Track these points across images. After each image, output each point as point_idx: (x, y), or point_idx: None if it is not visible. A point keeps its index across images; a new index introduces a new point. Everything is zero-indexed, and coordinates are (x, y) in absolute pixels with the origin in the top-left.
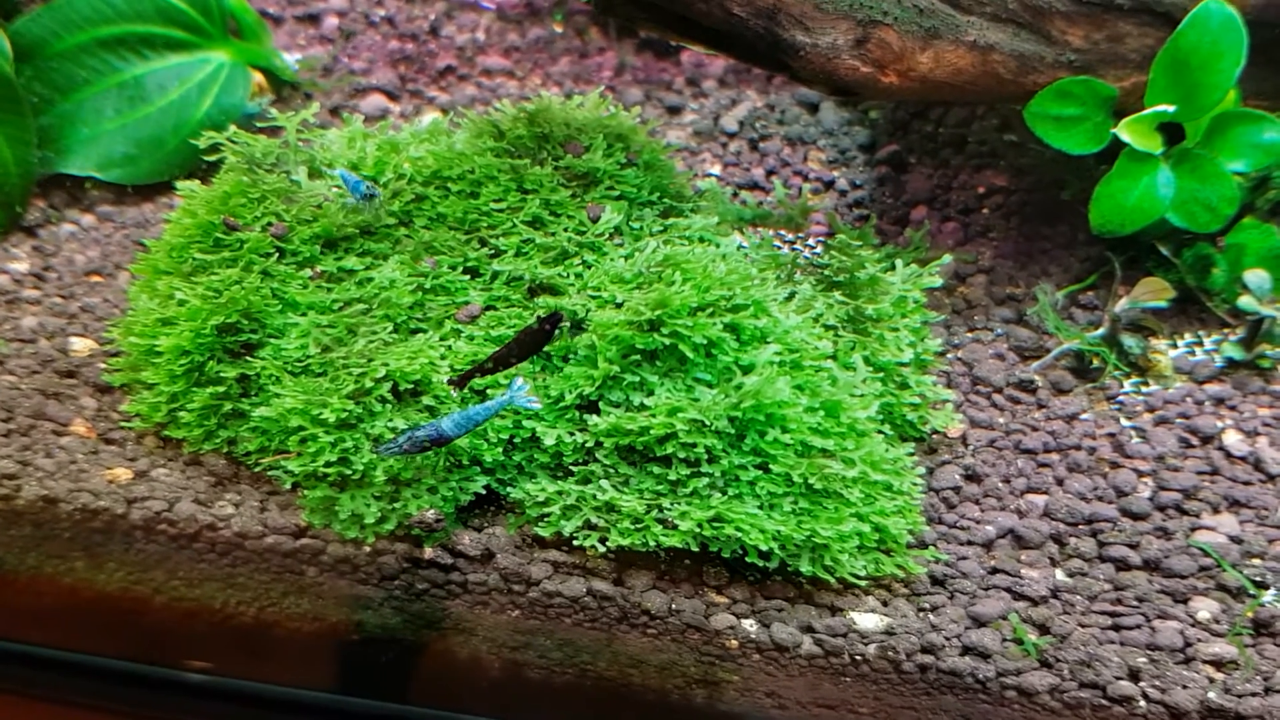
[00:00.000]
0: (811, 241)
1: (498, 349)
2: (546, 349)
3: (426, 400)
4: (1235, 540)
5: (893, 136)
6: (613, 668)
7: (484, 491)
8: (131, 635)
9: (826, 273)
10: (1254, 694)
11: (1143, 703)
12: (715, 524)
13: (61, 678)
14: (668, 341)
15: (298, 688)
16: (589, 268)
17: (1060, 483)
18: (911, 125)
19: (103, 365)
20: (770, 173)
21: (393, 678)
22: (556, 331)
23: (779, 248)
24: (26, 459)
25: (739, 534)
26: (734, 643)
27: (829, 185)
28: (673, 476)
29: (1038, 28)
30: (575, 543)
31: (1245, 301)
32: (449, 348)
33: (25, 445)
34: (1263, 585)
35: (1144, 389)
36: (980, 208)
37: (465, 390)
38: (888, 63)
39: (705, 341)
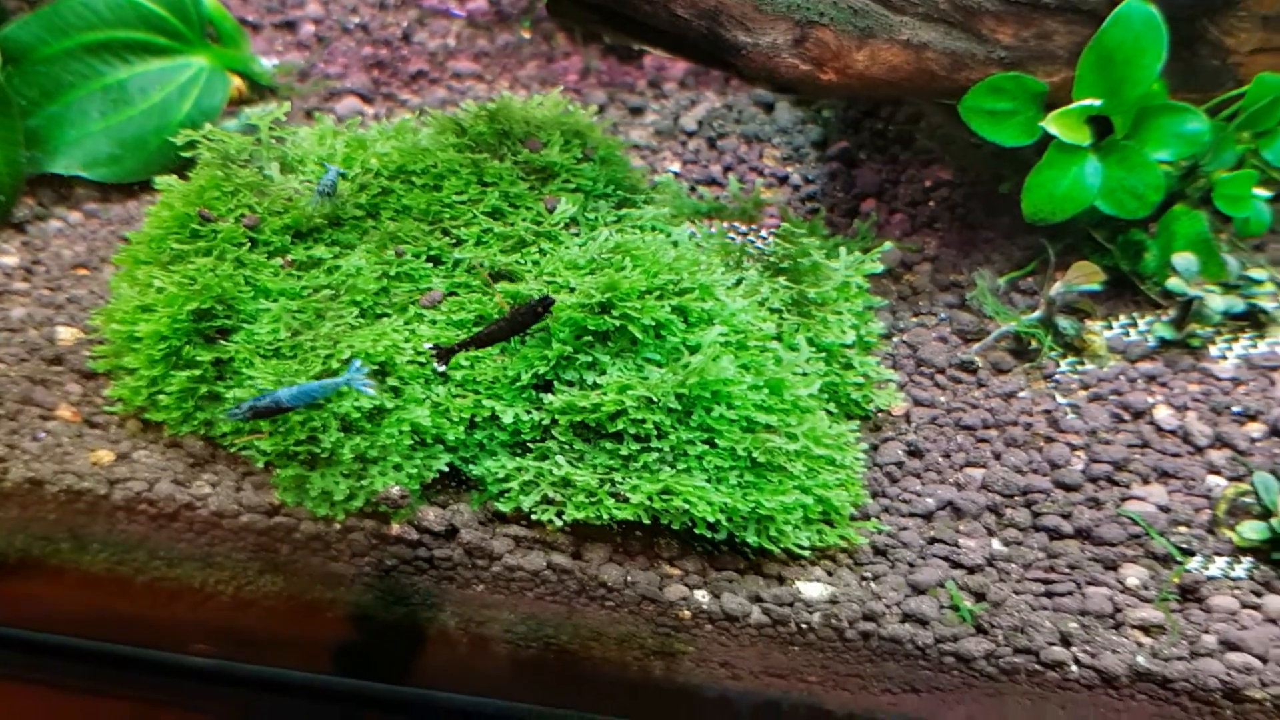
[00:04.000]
0: (764, 233)
1: (486, 326)
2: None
3: (391, 381)
4: (1164, 509)
5: (844, 134)
6: (574, 640)
7: (447, 469)
8: (114, 617)
9: (772, 259)
10: (1180, 658)
11: (1074, 667)
12: (664, 496)
13: (50, 661)
14: (618, 323)
15: (272, 666)
16: (545, 255)
17: (998, 457)
18: (863, 123)
19: (87, 353)
20: (727, 169)
21: (364, 654)
22: (547, 315)
23: (732, 239)
24: (14, 442)
25: (687, 505)
26: (687, 613)
27: (783, 180)
28: (624, 452)
29: (968, 26)
30: (534, 517)
31: (1174, 283)
32: (412, 331)
33: (13, 429)
34: (1189, 552)
35: (1079, 368)
36: (927, 201)
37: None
38: (826, 61)
39: (654, 323)
